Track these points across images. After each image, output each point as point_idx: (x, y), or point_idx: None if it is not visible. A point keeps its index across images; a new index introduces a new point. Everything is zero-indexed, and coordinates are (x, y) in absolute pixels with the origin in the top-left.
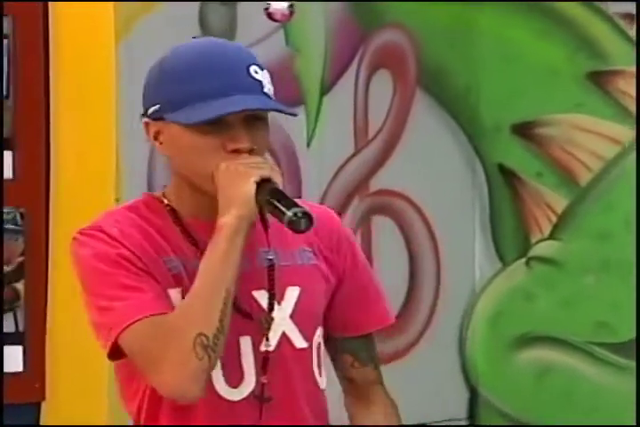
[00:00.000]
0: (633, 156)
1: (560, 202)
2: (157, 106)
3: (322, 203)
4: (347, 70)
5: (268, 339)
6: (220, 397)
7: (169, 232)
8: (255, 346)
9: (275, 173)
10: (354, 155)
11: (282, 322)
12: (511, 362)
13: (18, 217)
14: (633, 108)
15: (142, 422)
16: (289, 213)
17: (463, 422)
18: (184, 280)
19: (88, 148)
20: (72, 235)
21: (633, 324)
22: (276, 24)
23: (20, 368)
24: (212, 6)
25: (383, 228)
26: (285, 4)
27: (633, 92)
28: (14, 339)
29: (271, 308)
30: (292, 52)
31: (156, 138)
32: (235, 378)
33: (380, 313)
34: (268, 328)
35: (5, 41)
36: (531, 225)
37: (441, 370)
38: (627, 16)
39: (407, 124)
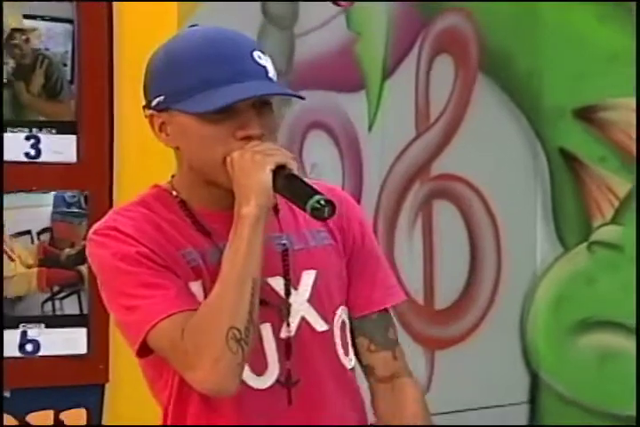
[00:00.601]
0: None
1: (622, 186)
2: (162, 97)
3: (383, 187)
4: (408, 54)
5: (288, 324)
6: (247, 385)
7: (181, 225)
8: (275, 332)
9: (289, 159)
10: (415, 139)
11: (300, 307)
12: (572, 347)
13: (82, 200)
14: None
15: (171, 414)
16: (311, 202)
17: (524, 407)
18: (203, 272)
19: (151, 132)
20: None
21: None
22: (338, 9)
23: (84, 350)
24: None
25: (444, 212)
26: None
27: None
28: (78, 321)
29: (288, 294)
30: (354, 36)
31: (161, 130)
32: (259, 366)
33: (388, 291)
34: (288, 314)
35: (70, 26)
36: (592, 209)
37: (502, 354)
38: None
39: (469, 109)
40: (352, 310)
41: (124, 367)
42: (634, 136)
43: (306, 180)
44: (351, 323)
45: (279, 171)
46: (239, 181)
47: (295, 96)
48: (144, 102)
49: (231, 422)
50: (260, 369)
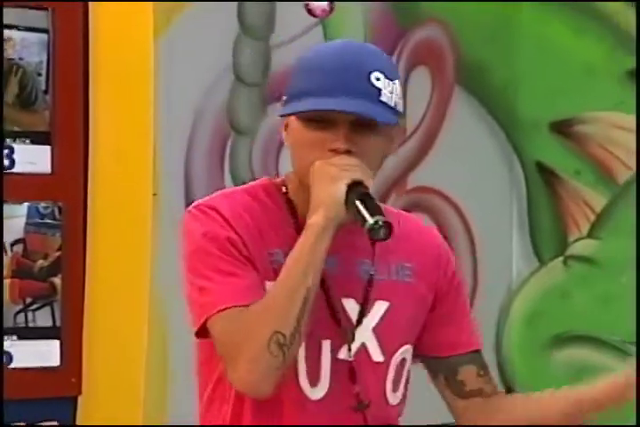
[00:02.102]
0: None
1: (598, 200)
2: (285, 97)
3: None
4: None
5: (350, 349)
6: (304, 394)
7: (280, 221)
8: (333, 351)
9: (366, 177)
10: None
11: (363, 333)
12: (548, 361)
13: (56, 211)
14: None
15: (225, 408)
16: (370, 221)
17: None
18: None
19: (126, 142)
20: (109, 230)
21: None
22: (315, 20)
23: (57, 363)
24: (251, 2)
25: None
26: (325, 1)
27: None
28: (51, 333)
29: (360, 321)
30: None
31: (285, 129)
32: (313, 378)
33: (474, 336)
34: (353, 339)
35: (45, 35)
36: (569, 223)
37: None
38: None
39: (445, 121)
40: (439, 350)
41: (97, 380)
42: (610, 150)
43: (376, 201)
44: (443, 361)
45: (354, 187)
46: (314, 191)
47: (382, 121)
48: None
49: (284, 422)
50: (313, 381)
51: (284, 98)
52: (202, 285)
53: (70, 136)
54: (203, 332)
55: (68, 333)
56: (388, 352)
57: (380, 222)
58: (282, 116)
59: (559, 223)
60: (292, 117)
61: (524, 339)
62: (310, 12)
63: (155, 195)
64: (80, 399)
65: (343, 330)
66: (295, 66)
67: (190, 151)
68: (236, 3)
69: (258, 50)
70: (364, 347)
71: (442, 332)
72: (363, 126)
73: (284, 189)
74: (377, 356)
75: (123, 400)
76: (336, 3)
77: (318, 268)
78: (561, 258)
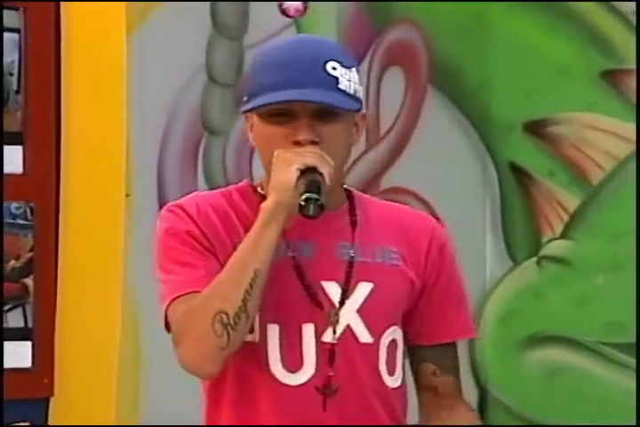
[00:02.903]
0: None
1: (572, 201)
2: (244, 97)
3: None
4: (359, 67)
5: (334, 331)
6: (277, 381)
7: (251, 221)
8: (317, 335)
9: (322, 163)
10: (365, 152)
11: (347, 315)
12: (521, 361)
13: (28, 212)
14: None
15: (207, 403)
16: (300, 199)
17: None
18: None
19: (98, 143)
20: (81, 230)
21: None
22: (288, 20)
23: (28, 364)
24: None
25: None
26: (299, 1)
27: None
28: (23, 334)
29: (342, 302)
30: None
31: (250, 130)
32: (293, 364)
33: (462, 324)
34: (337, 321)
35: (17, 35)
36: (542, 224)
37: None
38: None
39: (419, 122)
40: (420, 338)
41: (69, 381)
42: (584, 150)
43: (324, 186)
44: (415, 349)
45: (307, 173)
46: (271, 179)
47: (344, 108)
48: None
49: (264, 413)
50: (293, 367)
51: (245, 98)
52: (162, 277)
53: (42, 136)
54: (168, 324)
55: (41, 334)
56: (375, 333)
57: (311, 199)
58: (244, 112)
59: (532, 224)
60: (255, 116)
61: (498, 339)
62: (284, 12)
63: (127, 195)
64: (52, 400)
65: (326, 313)
66: (251, 65)
67: (163, 152)
68: (209, 2)
69: (231, 50)
70: (349, 329)
71: (431, 319)
72: (324, 116)
73: (259, 190)
74: (364, 337)
75: (95, 401)
76: (310, 3)
77: (267, 250)
78: (534, 258)
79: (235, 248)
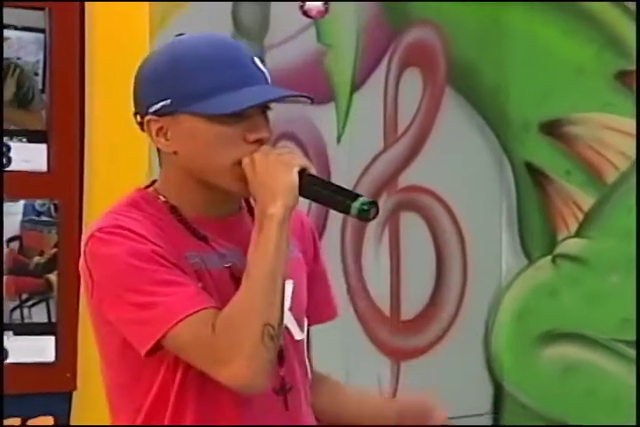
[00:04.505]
0: None
1: (587, 200)
2: (168, 101)
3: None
4: (377, 67)
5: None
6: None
7: (174, 229)
8: None
9: (309, 163)
10: (383, 151)
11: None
12: (536, 358)
13: (52, 209)
14: None
15: (168, 416)
16: (356, 204)
17: (488, 417)
18: (205, 276)
19: (121, 141)
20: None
21: None
22: (309, 21)
23: (52, 358)
24: (246, 2)
25: (411, 224)
26: (320, 2)
27: None
28: (47, 329)
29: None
30: (324, 49)
31: (158, 135)
32: None
33: (332, 307)
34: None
35: (42, 35)
36: (557, 223)
37: (467, 365)
38: None
39: (436, 122)
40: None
41: (92, 375)
42: (599, 150)
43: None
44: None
45: (303, 174)
46: (264, 182)
47: (305, 97)
48: (135, 109)
49: (231, 422)
50: None
51: (170, 100)
52: (145, 301)
53: (66, 135)
54: (154, 349)
55: (64, 329)
56: (302, 329)
57: (366, 205)
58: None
59: (548, 222)
60: (183, 119)
61: (513, 336)
62: (305, 13)
63: None
64: (75, 394)
65: None
66: (169, 65)
67: None
68: (230, 3)
69: (252, 50)
70: (286, 329)
71: (312, 303)
72: (266, 112)
73: (162, 198)
74: (297, 334)
75: None
76: (330, 3)
77: (285, 256)
78: (549, 257)
79: (187, 260)
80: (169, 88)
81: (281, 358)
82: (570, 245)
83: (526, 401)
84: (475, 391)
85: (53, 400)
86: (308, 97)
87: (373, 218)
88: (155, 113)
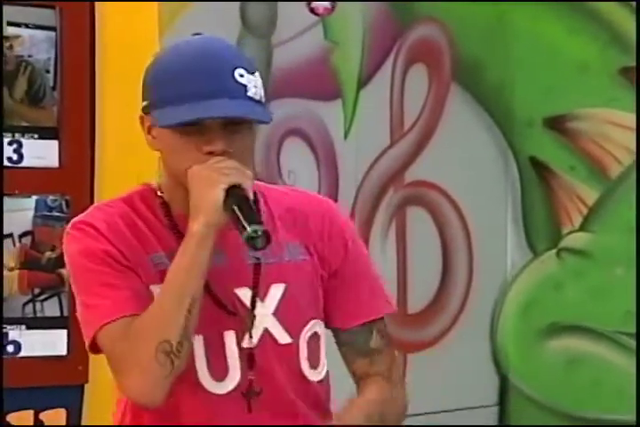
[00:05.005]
0: None
1: (591, 195)
2: (146, 102)
3: (358, 194)
4: (383, 64)
5: (251, 336)
6: (205, 391)
7: (157, 225)
8: (238, 341)
9: (245, 179)
10: (390, 147)
11: (264, 319)
12: (541, 350)
13: (63, 204)
14: None
15: (128, 420)
16: (248, 230)
17: (494, 409)
18: None
19: (131, 137)
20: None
21: None
22: (316, 18)
23: (64, 352)
24: (253, 2)
25: (417, 218)
26: (327, 0)
27: None
28: (59, 323)
29: (253, 306)
30: (331, 46)
31: (148, 132)
32: (220, 372)
33: (372, 303)
34: (251, 325)
35: (53, 33)
36: (562, 217)
37: (472, 358)
38: None
39: (442, 118)
40: (336, 324)
41: (103, 368)
42: (603, 145)
43: (252, 206)
44: (335, 333)
45: (233, 190)
46: (193, 197)
47: (257, 121)
48: (137, 107)
49: (188, 416)
50: (220, 375)
51: (147, 102)
52: (87, 302)
53: (77, 131)
54: (94, 348)
55: (76, 322)
56: (294, 333)
57: (259, 232)
58: (164, 126)
59: (553, 217)
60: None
61: (518, 329)
62: (313, 10)
63: None
64: (87, 387)
65: (242, 319)
66: (156, 68)
67: None
68: (239, 2)
69: (260, 48)
70: (267, 332)
71: (341, 302)
72: (234, 126)
73: (159, 193)
74: (283, 338)
75: None
76: (336, 2)
77: (201, 274)
78: (554, 250)
79: (152, 261)
80: (147, 90)
81: (251, 361)
82: (574, 239)
83: (531, 393)
84: (481, 384)
85: (65, 393)
86: (261, 120)
87: (263, 247)
88: (143, 111)
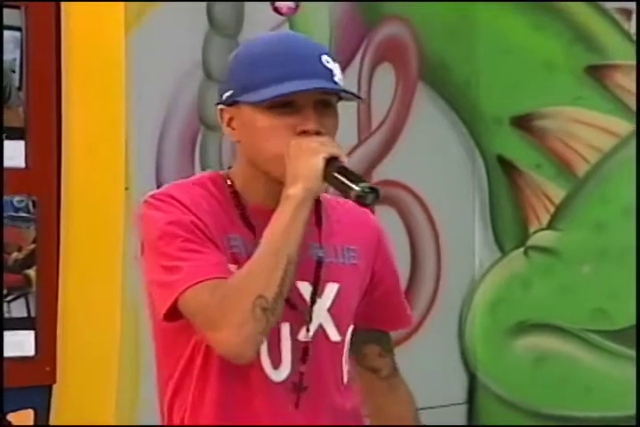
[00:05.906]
0: (629, 148)
1: (558, 193)
2: (231, 91)
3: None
4: (351, 63)
5: (308, 330)
6: (265, 375)
7: (230, 212)
8: (293, 333)
9: (342, 153)
10: (357, 146)
11: (320, 314)
12: (509, 348)
13: (30, 205)
14: (629, 101)
15: (186, 391)
16: (357, 188)
17: (462, 407)
18: (242, 260)
19: (98, 138)
20: (82, 223)
21: (628, 311)
22: (282, 18)
23: (31, 352)
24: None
25: (385, 217)
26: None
27: (629, 85)
28: (26, 324)
29: (313, 301)
30: None
31: (229, 124)
32: (275, 360)
33: (409, 313)
34: (310, 320)
35: (18, 33)
36: (529, 215)
37: (441, 356)
38: (623, 11)
39: (409, 117)
40: (372, 322)
41: (71, 369)
42: (569, 143)
43: (356, 172)
44: (360, 331)
45: (332, 161)
46: (291, 165)
47: (352, 94)
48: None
49: (245, 404)
50: (275, 364)
51: (232, 90)
52: (171, 265)
53: (44, 132)
54: (171, 313)
55: (43, 323)
56: (342, 332)
57: (367, 189)
58: (227, 105)
59: (520, 215)
60: (245, 109)
61: (486, 327)
62: (277, 10)
63: (127, 189)
64: (55, 388)
65: (300, 312)
66: (240, 59)
67: (161, 146)
68: (205, 2)
69: (227, 47)
70: (321, 328)
71: (378, 311)
72: (323, 107)
73: (228, 182)
74: (334, 336)
75: (96, 388)
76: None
77: (298, 237)
78: (522, 248)
79: (228, 241)
80: (233, 80)
81: (305, 354)
82: (541, 237)
83: (500, 391)
84: (449, 382)
85: (33, 394)
86: (356, 95)
87: (372, 203)
88: (224, 102)
